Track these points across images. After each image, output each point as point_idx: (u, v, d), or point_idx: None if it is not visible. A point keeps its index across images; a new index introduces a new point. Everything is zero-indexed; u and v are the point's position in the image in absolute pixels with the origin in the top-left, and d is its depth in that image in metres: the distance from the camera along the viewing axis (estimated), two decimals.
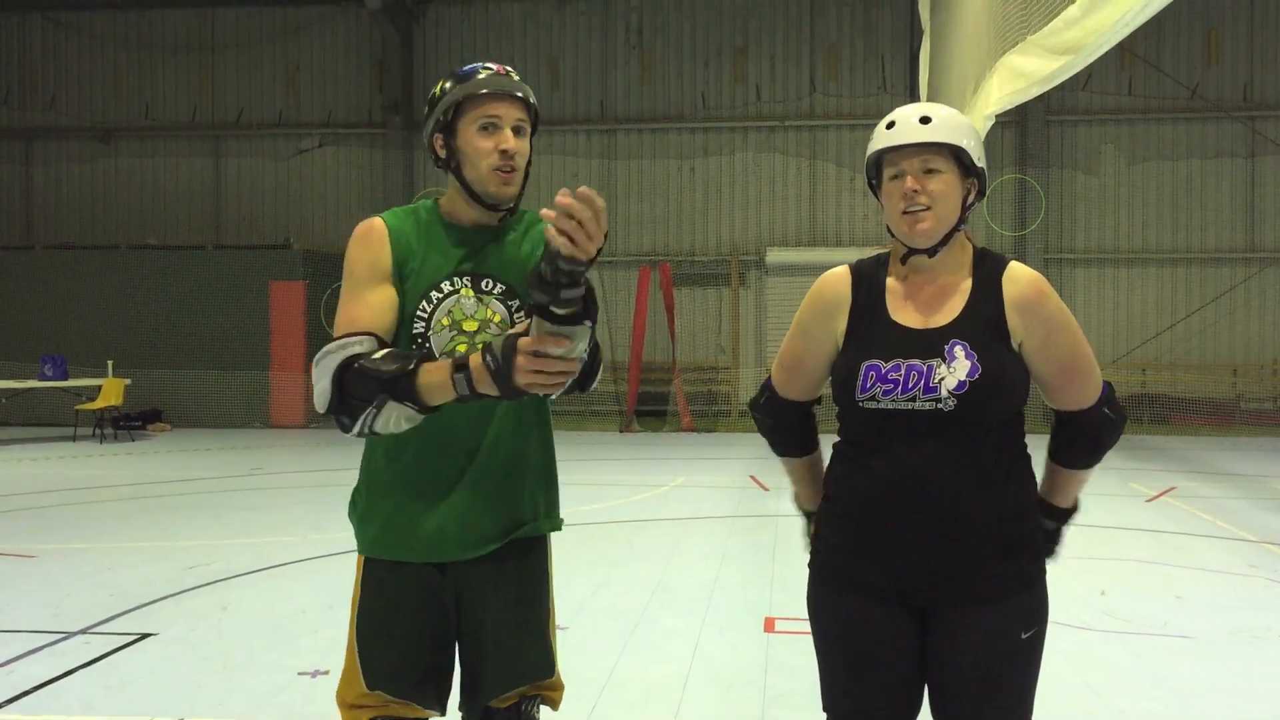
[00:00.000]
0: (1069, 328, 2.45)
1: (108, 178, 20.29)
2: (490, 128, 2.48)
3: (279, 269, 17.69)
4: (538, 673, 2.65)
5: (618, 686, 4.96)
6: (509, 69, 2.57)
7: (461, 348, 2.47)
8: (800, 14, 19.13)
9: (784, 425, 2.73)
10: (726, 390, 19.00)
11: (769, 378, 2.74)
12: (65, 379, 16.13)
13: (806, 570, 2.65)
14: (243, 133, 19.98)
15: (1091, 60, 7.04)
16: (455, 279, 2.52)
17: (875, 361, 2.43)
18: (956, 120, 2.46)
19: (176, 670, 5.20)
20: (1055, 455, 2.58)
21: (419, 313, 2.49)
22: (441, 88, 2.55)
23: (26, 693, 4.85)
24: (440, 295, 2.50)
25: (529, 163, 2.55)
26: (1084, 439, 2.54)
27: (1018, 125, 18.19)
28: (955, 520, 2.38)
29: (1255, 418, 17.97)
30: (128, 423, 16.61)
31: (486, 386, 2.20)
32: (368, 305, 2.45)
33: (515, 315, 2.52)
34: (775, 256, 18.67)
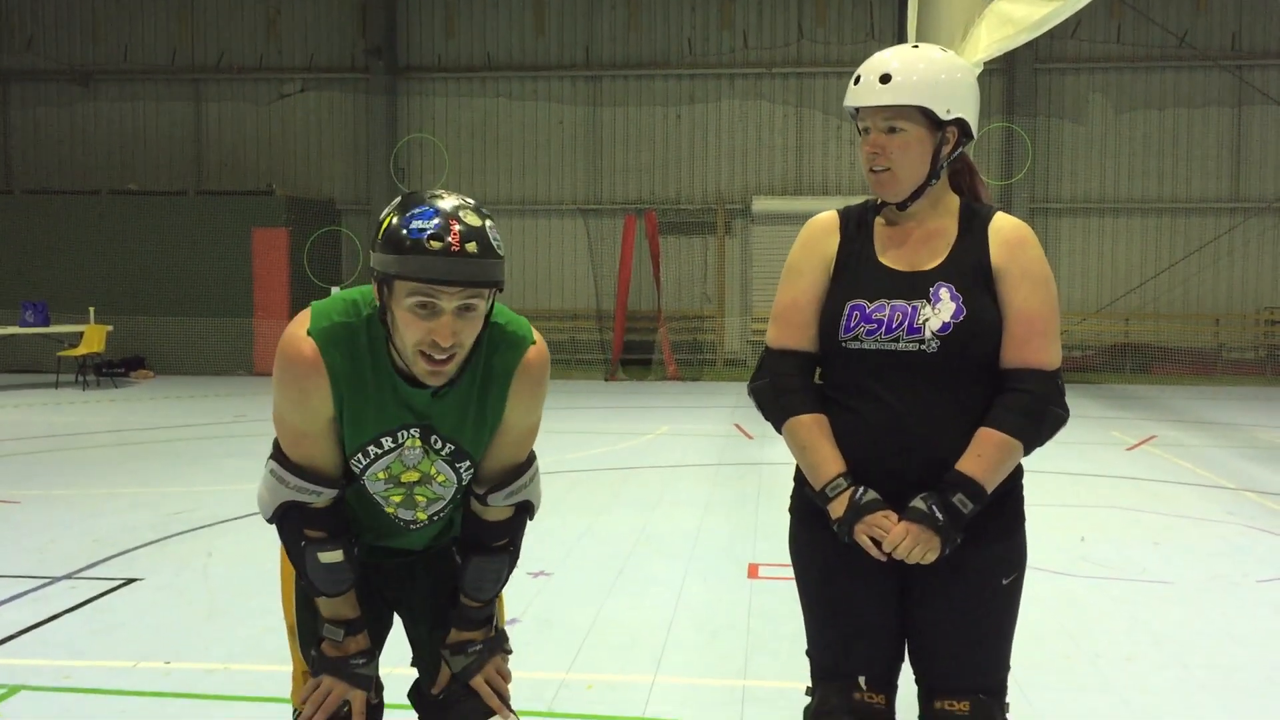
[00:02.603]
0: (1045, 281, 2.42)
1: (87, 121, 20.01)
2: (427, 308, 2.07)
3: (261, 215, 17.48)
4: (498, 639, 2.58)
5: (601, 632, 5.01)
6: (479, 229, 2.07)
7: (397, 498, 2.36)
8: None
9: (784, 381, 2.50)
10: (712, 339, 19.00)
11: (761, 354, 2.61)
12: (47, 325, 16.02)
13: (788, 515, 2.64)
14: (224, 76, 19.72)
15: (1080, 7, 6.98)
16: (403, 432, 2.28)
17: (860, 301, 2.41)
18: (922, 73, 2.40)
19: (162, 615, 5.23)
20: (989, 417, 2.37)
21: (356, 460, 2.30)
22: (384, 231, 2.09)
23: (12, 637, 4.87)
24: (379, 450, 2.29)
25: (487, 318, 2.19)
26: (1027, 398, 2.36)
27: (1005, 73, 18.08)
28: (937, 463, 2.36)
29: (1236, 367, 18.08)
30: (110, 369, 16.53)
31: (332, 651, 2.37)
32: (322, 453, 2.28)
33: (464, 474, 2.37)
34: (761, 205, 18.60)
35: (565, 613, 5.26)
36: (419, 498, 2.37)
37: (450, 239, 2.04)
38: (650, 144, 19.15)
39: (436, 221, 2.05)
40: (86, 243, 17.87)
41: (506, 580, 2.54)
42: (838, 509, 2.39)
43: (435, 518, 2.45)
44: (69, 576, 5.85)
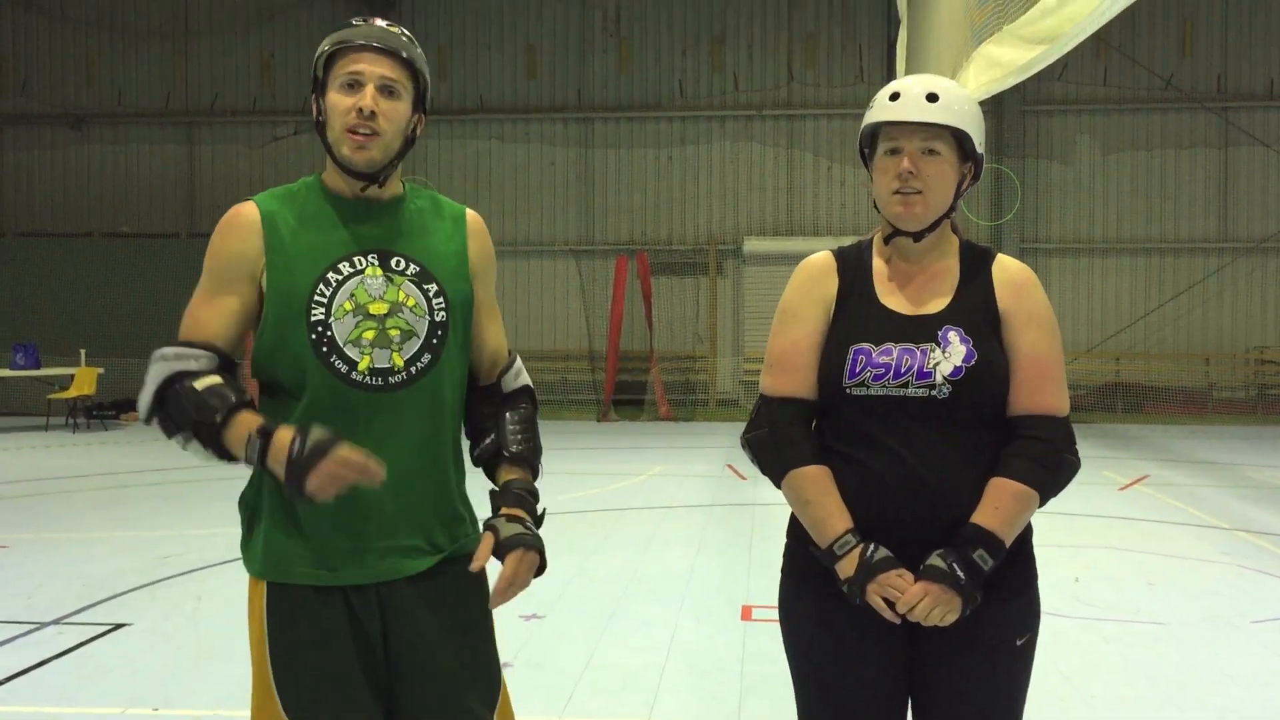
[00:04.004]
0: (1052, 325, 2.34)
1: (80, 164, 20.09)
2: (353, 85, 2.22)
3: None
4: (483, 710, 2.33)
5: (594, 675, 4.96)
6: (397, 26, 2.34)
7: (369, 334, 2.22)
8: (778, 3, 19.10)
9: (784, 431, 2.34)
10: (704, 379, 19.01)
11: (756, 404, 2.45)
12: (38, 367, 15.98)
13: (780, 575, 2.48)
14: (217, 120, 19.82)
15: (1067, 50, 7.08)
16: (359, 258, 2.26)
17: (864, 345, 2.28)
18: (964, 100, 2.32)
19: (151, 660, 5.17)
20: (1002, 467, 2.26)
21: (317, 296, 2.21)
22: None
23: (0, 683, 4.82)
24: (340, 277, 2.23)
25: (412, 136, 2.30)
26: (1041, 446, 2.26)
27: (994, 115, 18.24)
28: (949, 517, 2.23)
29: (1228, 406, 18.12)
30: (101, 412, 16.48)
31: (276, 467, 2.06)
32: (215, 311, 2.24)
33: (434, 301, 2.28)
34: (753, 246, 18.68)
35: (557, 656, 5.22)
36: (391, 331, 2.23)
37: (370, 19, 2.32)
38: (642, 185, 19.25)
39: (362, 16, 2.34)
40: (78, 285, 17.88)
41: (540, 453, 2.44)
42: (847, 568, 2.22)
43: (414, 369, 2.24)
44: (57, 622, 5.80)
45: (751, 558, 7.30)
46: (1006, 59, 7.75)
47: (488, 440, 2.41)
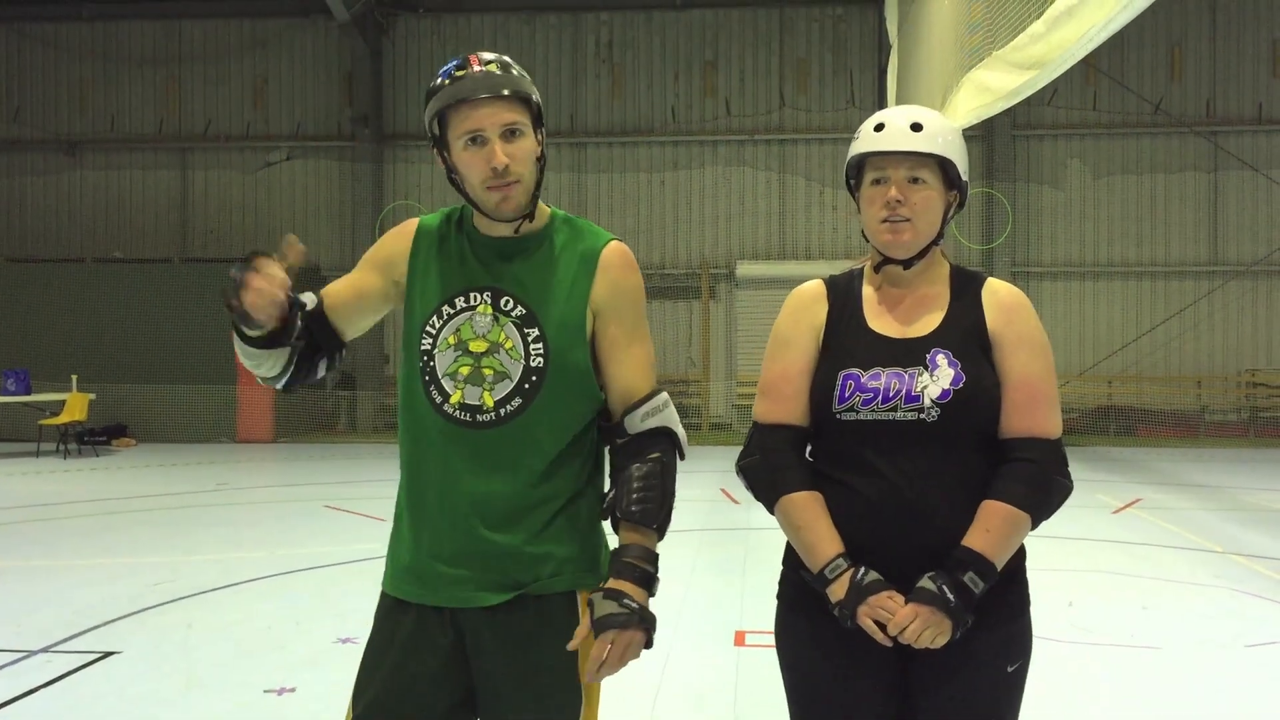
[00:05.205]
0: (1043, 347, 2.35)
1: (73, 190, 20.09)
2: (477, 141, 2.23)
3: None
4: None
5: None
6: (496, 58, 2.29)
7: (465, 370, 2.27)
8: (769, 29, 19.22)
9: (776, 458, 2.37)
10: (697, 403, 19.00)
11: (750, 431, 2.47)
12: (29, 393, 15.93)
13: (775, 601, 2.48)
14: (210, 145, 19.85)
15: (1056, 75, 7.12)
16: (473, 294, 2.31)
17: (853, 370, 2.31)
18: (947, 130, 2.37)
19: (140, 689, 5.13)
20: (993, 489, 2.26)
21: (428, 327, 2.30)
22: (428, 93, 2.31)
23: None
24: (452, 311, 2.31)
25: (541, 159, 2.31)
26: (1031, 468, 2.26)
27: (984, 139, 18.34)
28: (939, 541, 2.24)
29: (1220, 429, 18.15)
30: (92, 438, 16.41)
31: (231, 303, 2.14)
32: (344, 280, 2.43)
33: (532, 346, 2.28)
34: (745, 270, 18.72)
35: None
36: (485, 370, 2.26)
37: (471, 63, 2.26)
38: (634, 209, 19.30)
39: (458, 60, 2.29)
40: (70, 310, 17.84)
41: (668, 509, 2.30)
42: (838, 591, 2.24)
43: (503, 411, 2.25)
44: (45, 650, 5.75)
45: (745, 583, 7.28)
46: (996, 84, 7.80)
47: (609, 495, 2.33)
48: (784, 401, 2.39)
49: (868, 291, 2.44)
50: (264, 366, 2.32)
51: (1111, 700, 4.97)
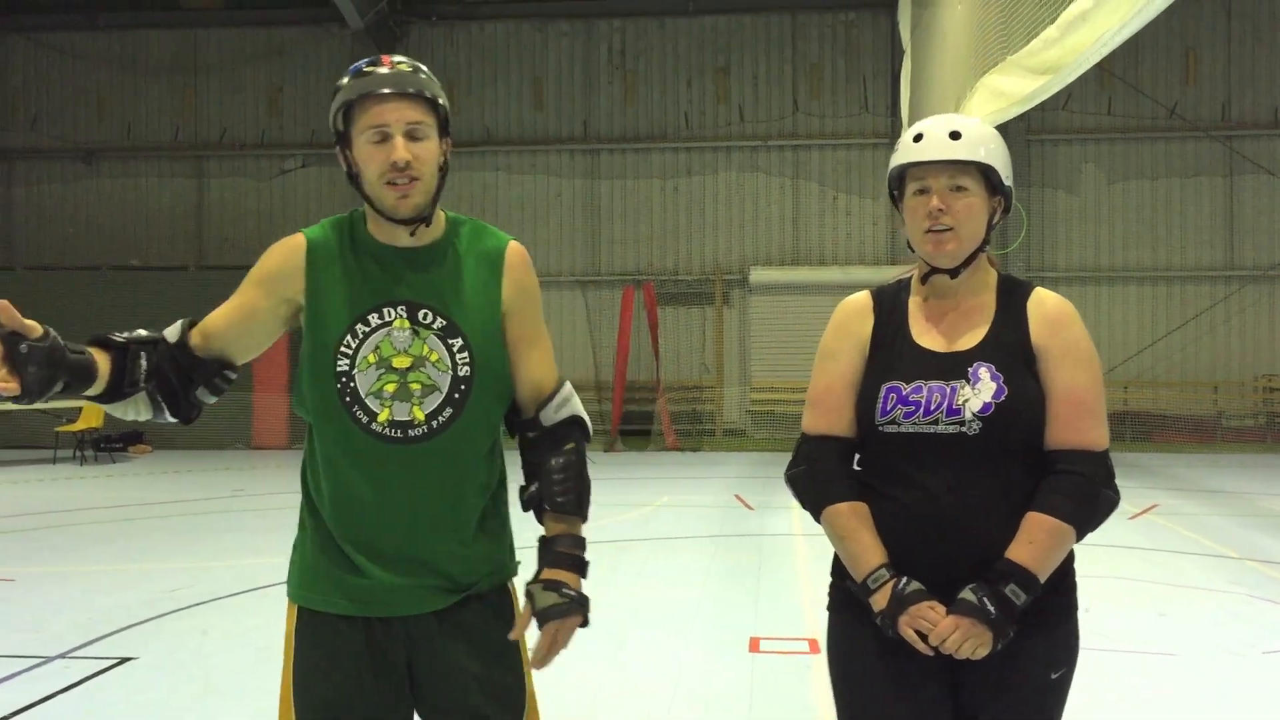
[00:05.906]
0: (1090, 359, 2.33)
1: (90, 198, 20.21)
2: (381, 136, 2.21)
3: None
4: None
5: (601, 707, 4.94)
6: (407, 60, 2.30)
7: (390, 387, 2.24)
8: (782, 34, 19.23)
9: (821, 468, 2.41)
10: (711, 409, 18.99)
11: (797, 442, 2.50)
12: (45, 400, 15.99)
13: (826, 612, 2.51)
14: (225, 153, 19.95)
15: (1071, 80, 7.10)
16: (386, 309, 2.27)
17: (896, 383, 2.32)
18: (988, 136, 2.36)
19: (157, 695, 5.15)
20: (1038, 501, 2.26)
21: (343, 348, 2.25)
22: (335, 88, 2.29)
23: (4, 719, 4.80)
24: (367, 329, 2.26)
25: (444, 168, 2.28)
26: (1077, 480, 2.25)
27: None
28: (982, 551, 2.24)
29: (1236, 434, 18.06)
30: (108, 445, 16.50)
31: None
32: (229, 303, 2.35)
33: (458, 356, 2.28)
34: (759, 276, 18.71)
35: (561, 690, 5.18)
36: (413, 385, 2.25)
37: (382, 62, 2.27)
38: (648, 216, 19.32)
39: (369, 59, 2.30)
40: (87, 318, 17.84)
41: (586, 495, 2.41)
42: (880, 601, 2.26)
43: (435, 423, 2.26)
44: (62, 656, 5.78)
45: (759, 589, 7.27)
46: (1010, 89, 7.79)
47: (532, 489, 2.38)
48: (829, 413, 2.43)
49: (914, 303, 2.45)
50: (129, 414, 2.31)
51: (1127, 707, 4.94)
